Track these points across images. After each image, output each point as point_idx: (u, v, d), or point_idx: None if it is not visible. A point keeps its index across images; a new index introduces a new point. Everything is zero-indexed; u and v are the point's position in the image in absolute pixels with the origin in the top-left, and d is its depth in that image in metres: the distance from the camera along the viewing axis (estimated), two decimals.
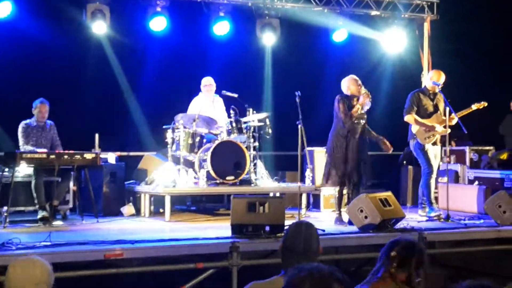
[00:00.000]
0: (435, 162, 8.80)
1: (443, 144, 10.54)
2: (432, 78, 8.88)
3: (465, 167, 10.56)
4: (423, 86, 9.35)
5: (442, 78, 8.81)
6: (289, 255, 3.68)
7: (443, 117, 8.71)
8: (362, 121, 8.37)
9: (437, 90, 8.84)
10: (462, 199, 9.62)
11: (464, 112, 8.80)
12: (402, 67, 12.01)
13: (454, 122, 8.67)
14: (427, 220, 8.45)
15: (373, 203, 7.44)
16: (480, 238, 7.74)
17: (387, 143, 8.51)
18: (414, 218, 8.47)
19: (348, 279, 2.60)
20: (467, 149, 10.72)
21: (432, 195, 8.74)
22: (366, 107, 8.35)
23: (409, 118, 8.83)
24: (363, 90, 8.38)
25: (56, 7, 10.05)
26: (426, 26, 11.87)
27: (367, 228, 7.38)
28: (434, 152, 8.80)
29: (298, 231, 3.74)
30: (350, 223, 7.78)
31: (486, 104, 8.77)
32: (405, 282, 3.69)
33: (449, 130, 8.70)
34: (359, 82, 8.41)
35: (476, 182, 10.01)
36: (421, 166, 8.86)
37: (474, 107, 8.79)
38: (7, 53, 10.08)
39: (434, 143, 8.79)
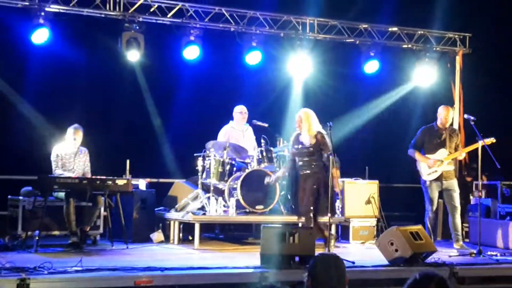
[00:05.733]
0: (435, 198, 9.03)
1: (473, 178, 10.58)
2: (438, 114, 9.13)
3: (496, 202, 10.46)
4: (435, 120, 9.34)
5: (450, 114, 9.11)
6: None
7: (451, 153, 8.97)
8: (305, 158, 8.25)
9: (447, 125, 9.05)
10: (494, 234, 9.51)
11: (471, 147, 8.99)
12: (434, 100, 11.93)
13: (461, 157, 9.22)
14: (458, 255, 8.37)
15: (404, 236, 7.39)
16: None
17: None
18: (445, 252, 8.38)
19: None
20: (499, 184, 10.63)
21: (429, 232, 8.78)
22: (307, 143, 8.23)
23: (410, 152, 9.19)
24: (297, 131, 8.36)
25: (92, 34, 10.23)
26: (458, 60, 11.84)
27: (398, 261, 7.32)
28: (438, 188, 9.00)
29: (328, 264, 3.66)
30: None
31: (494, 140, 8.74)
32: None
33: (451, 168, 8.99)
34: (301, 120, 8.28)
35: (508, 218, 9.89)
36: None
37: (481, 143, 8.71)
38: (43, 79, 10.25)
39: (439, 179, 8.96)
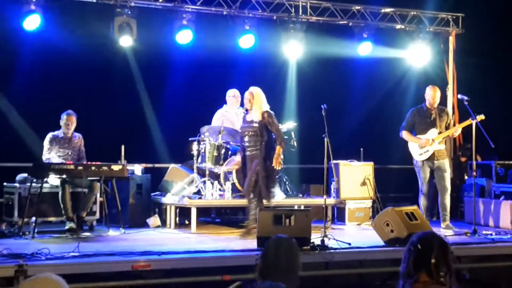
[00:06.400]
0: (426, 178, 9.05)
1: (468, 158, 10.61)
2: (426, 95, 9.13)
3: (491, 181, 10.51)
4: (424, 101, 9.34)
5: (437, 93, 9.06)
6: (269, 272, 3.55)
7: (441, 132, 8.96)
8: (252, 138, 8.23)
9: (435, 105, 9.05)
10: (489, 213, 9.57)
11: (464, 123, 8.98)
12: (427, 80, 11.93)
13: (457, 133, 9.26)
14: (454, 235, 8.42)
15: (399, 217, 7.43)
16: (508, 253, 7.67)
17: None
18: (441, 232, 8.43)
19: None
20: (493, 163, 10.67)
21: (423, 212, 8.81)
22: (254, 122, 8.19)
23: (402, 134, 9.19)
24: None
25: (84, 20, 10.14)
26: (451, 40, 11.84)
27: (393, 242, 7.36)
28: (430, 168, 9.02)
29: (280, 246, 3.64)
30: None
31: (483, 117, 8.77)
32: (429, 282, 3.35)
33: (442, 147, 8.97)
34: (252, 96, 8.25)
35: (503, 197, 9.94)
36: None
37: (474, 122, 8.73)
38: (35, 65, 10.20)
39: (430, 159, 8.96)
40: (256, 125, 8.16)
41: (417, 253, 3.39)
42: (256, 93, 8.24)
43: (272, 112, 8.27)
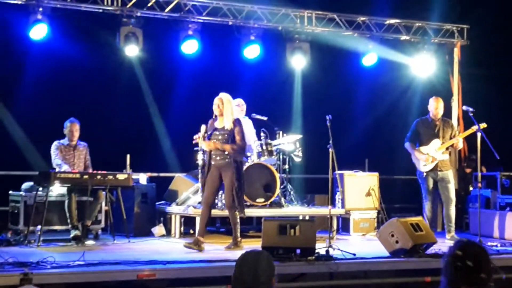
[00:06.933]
0: (430, 189, 9.06)
1: (473, 169, 10.60)
2: (429, 106, 9.17)
3: (496, 192, 10.50)
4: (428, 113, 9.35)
5: (440, 104, 9.10)
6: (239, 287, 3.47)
7: (445, 142, 8.99)
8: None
9: (439, 116, 9.09)
10: (494, 225, 9.55)
11: (467, 132, 9.03)
12: (432, 91, 11.96)
13: (460, 145, 9.15)
14: None
15: (405, 228, 7.40)
16: None
17: None
18: (446, 243, 8.42)
19: None
20: (498, 174, 10.67)
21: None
22: (225, 129, 7.84)
23: (407, 145, 9.22)
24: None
25: (90, 29, 10.23)
26: (456, 51, 11.87)
27: (398, 252, 7.34)
28: (434, 179, 9.03)
29: (245, 261, 3.50)
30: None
31: (485, 125, 8.76)
32: None
33: (445, 157, 8.99)
34: (222, 102, 7.87)
35: (508, 208, 9.92)
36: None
37: (478, 130, 8.74)
38: (42, 74, 10.24)
39: (434, 170, 8.99)
40: (228, 132, 7.84)
41: (467, 270, 3.17)
42: (226, 99, 7.90)
43: (240, 120, 8.05)
